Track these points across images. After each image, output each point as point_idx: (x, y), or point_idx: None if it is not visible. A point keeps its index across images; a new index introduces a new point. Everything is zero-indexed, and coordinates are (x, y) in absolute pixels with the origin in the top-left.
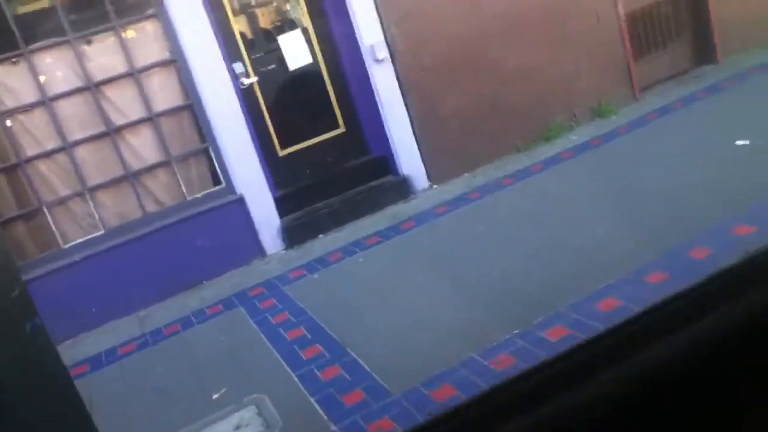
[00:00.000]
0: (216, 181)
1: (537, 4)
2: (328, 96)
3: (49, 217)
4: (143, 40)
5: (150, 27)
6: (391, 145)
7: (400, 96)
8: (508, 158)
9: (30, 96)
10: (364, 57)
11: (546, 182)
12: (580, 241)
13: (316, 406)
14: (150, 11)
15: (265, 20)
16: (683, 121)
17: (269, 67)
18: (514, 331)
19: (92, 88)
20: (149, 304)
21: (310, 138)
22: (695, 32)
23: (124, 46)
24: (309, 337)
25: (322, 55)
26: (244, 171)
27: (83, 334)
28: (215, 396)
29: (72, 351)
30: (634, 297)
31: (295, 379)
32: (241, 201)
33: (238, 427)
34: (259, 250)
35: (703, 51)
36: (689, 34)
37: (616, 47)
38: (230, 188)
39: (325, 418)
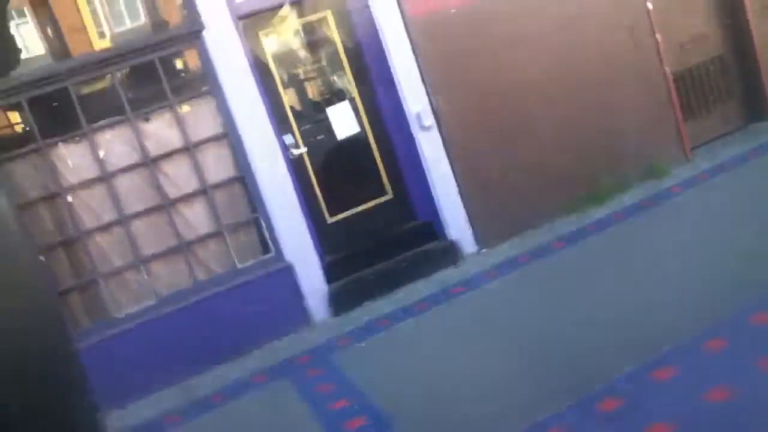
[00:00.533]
0: (265, 249)
1: (582, 68)
2: (376, 163)
3: (103, 287)
4: (198, 115)
5: (204, 103)
6: (438, 210)
7: (447, 161)
8: (558, 221)
9: (90, 172)
10: (410, 124)
11: (596, 245)
12: (635, 307)
13: None
14: (204, 88)
15: (313, 92)
16: (737, 182)
17: (318, 138)
18: (567, 403)
19: (149, 162)
20: (198, 372)
21: (358, 205)
22: (746, 90)
23: (180, 122)
24: (355, 407)
25: (369, 123)
26: (292, 239)
27: (131, 403)
28: None
29: (118, 420)
30: (690, 364)
31: None
32: (289, 269)
33: None
34: (306, 318)
35: (755, 109)
36: (740, 92)
37: (665, 108)
38: (279, 256)
39: None
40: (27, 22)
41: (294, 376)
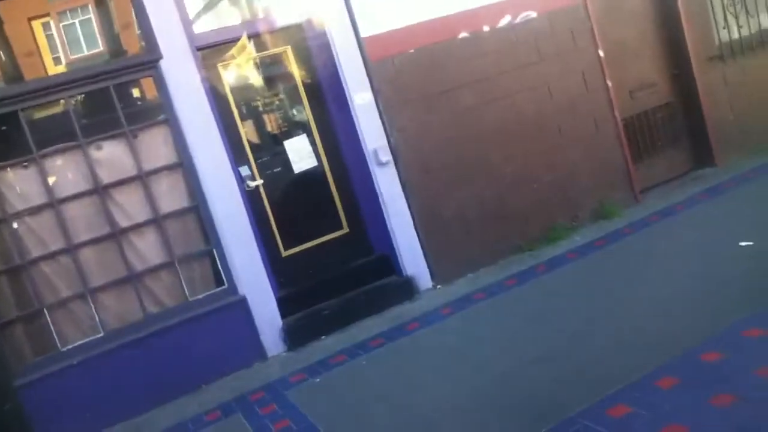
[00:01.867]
0: (219, 282)
1: (534, 114)
2: (332, 197)
3: (48, 319)
4: (152, 144)
5: (159, 132)
6: (395, 246)
7: (403, 198)
8: (511, 259)
9: (38, 198)
10: (367, 160)
11: (550, 283)
12: (586, 345)
13: None
14: (160, 117)
15: (271, 124)
16: (686, 223)
17: (275, 170)
18: None
19: (100, 190)
20: (148, 409)
21: (314, 238)
22: (692, 136)
23: (133, 150)
24: None
25: (327, 158)
26: (246, 272)
27: None
28: None
29: None
30: (644, 402)
31: None
32: (243, 302)
33: None
34: (260, 353)
35: (701, 154)
36: (686, 138)
37: (615, 152)
38: (232, 289)
39: None
40: None
41: (248, 412)
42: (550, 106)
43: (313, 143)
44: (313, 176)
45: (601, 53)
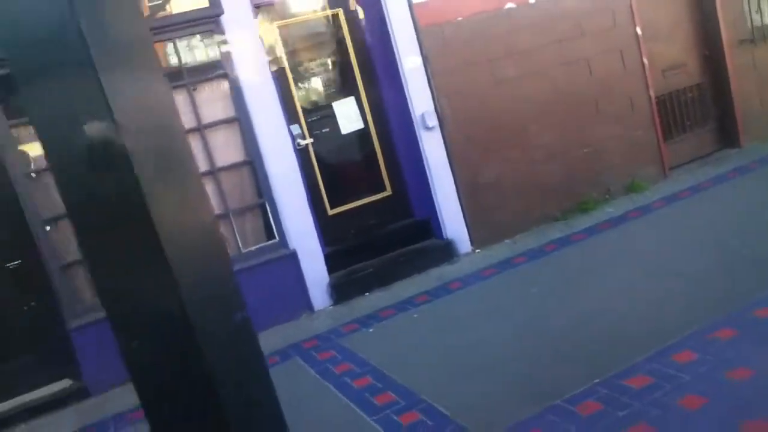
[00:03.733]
0: (269, 235)
1: (573, 88)
2: (377, 160)
3: None
4: (211, 98)
5: (218, 86)
6: (437, 209)
7: (447, 163)
8: (546, 227)
9: None
10: (414, 124)
11: (588, 249)
12: (634, 301)
13: None
14: (219, 71)
15: (322, 86)
16: (715, 198)
17: (323, 131)
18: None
19: None
20: None
21: (358, 199)
22: (719, 117)
23: (192, 103)
24: (379, 385)
25: (373, 120)
26: (297, 227)
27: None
28: None
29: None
30: (707, 350)
31: (374, 424)
32: (293, 256)
33: None
34: (307, 305)
35: (727, 135)
36: (713, 119)
37: (648, 129)
38: (283, 243)
39: None
40: None
41: (305, 357)
42: (589, 81)
43: (360, 106)
44: (359, 138)
45: (639, 31)
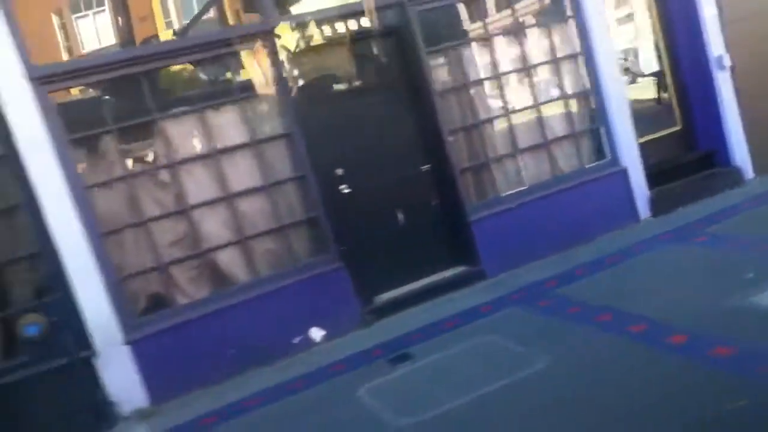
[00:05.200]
0: (600, 155)
1: None
2: (670, 97)
3: (491, 170)
4: (561, 38)
5: (567, 26)
6: (725, 141)
7: (735, 100)
8: None
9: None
10: (710, 65)
11: None
12: None
13: None
14: (569, 14)
15: (623, 33)
16: None
17: (629, 70)
18: None
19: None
20: (553, 252)
21: (655, 132)
22: None
23: (548, 36)
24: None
25: (669, 62)
26: (626, 147)
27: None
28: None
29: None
30: None
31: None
32: (623, 172)
33: None
34: (634, 216)
35: None
36: None
37: None
38: (614, 161)
39: None
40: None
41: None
42: None
43: (657, 49)
44: (656, 79)
45: None
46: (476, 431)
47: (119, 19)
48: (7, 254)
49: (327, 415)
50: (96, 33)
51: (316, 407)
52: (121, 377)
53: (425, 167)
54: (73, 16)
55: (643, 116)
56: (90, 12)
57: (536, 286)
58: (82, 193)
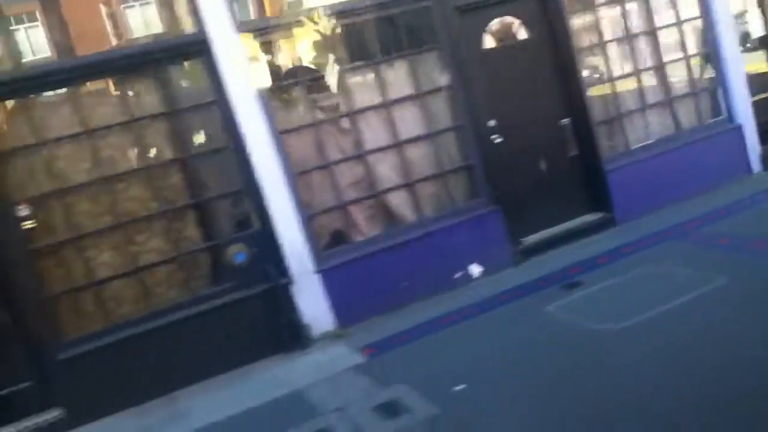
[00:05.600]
0: (716, 113)
1: None
2: None
3: (626, 124)
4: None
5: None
6: None
7: None
8: None
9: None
10: None
11: None
12: None
13: None
14: None
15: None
16: None
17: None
18: None
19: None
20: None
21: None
22: None
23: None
24: None
25: None
26: (740, 105)
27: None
28: None
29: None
30: None
31: None
32: (739, 129)
33: None
34: (747, 170)
35: None
36: None
37: None
38: (730, 119)
39: None
40: None
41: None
42: None
43: (762, 15)
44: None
45: None
46: (682, 334)
47: None
48: (217, 190)
49: (525, 328)
50: None
51: (509, 323)
52: (312, 303)
53: (565, 120)
54: None
55: (755, 77)
56: None
57: (678, 228)
58: (278, 138)
